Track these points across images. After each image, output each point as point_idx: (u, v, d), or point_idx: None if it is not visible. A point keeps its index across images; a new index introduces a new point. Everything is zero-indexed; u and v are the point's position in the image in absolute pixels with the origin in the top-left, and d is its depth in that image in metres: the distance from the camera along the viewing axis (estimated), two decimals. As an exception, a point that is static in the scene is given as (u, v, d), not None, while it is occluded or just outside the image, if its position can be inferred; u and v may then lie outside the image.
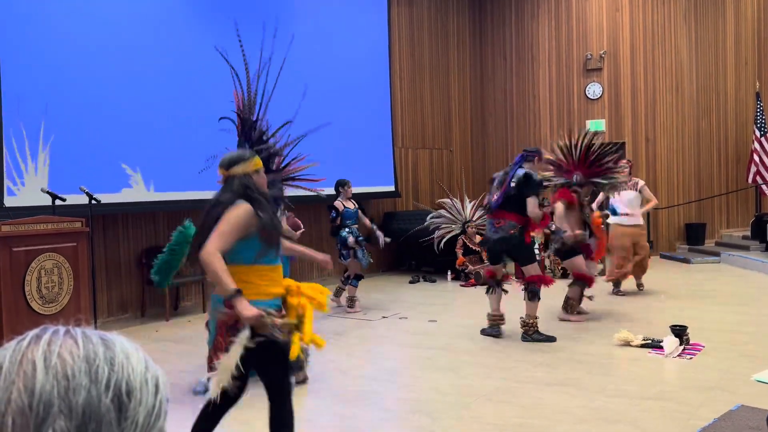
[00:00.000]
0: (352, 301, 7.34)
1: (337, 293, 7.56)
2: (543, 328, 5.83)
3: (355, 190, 9.49)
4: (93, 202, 5.23)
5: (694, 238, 11.28)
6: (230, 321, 2.79)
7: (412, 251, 10.00)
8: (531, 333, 5.71)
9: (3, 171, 5.70)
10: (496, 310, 5.91)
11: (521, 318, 5.77)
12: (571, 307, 6.54)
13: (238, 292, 2.72)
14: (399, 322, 6.71)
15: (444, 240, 8.94)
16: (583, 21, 11.53)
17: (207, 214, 2.90)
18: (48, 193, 5.05)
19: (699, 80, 11.53)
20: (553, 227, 6.49)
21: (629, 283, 7.97)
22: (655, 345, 5.29)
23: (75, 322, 0.75)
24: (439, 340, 5.87)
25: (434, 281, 9.26)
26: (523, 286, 5.79)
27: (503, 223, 5.65)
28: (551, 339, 5.68)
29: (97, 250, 6.10)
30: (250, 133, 4.56)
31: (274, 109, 8.24)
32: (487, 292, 6.01)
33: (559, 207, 6.22)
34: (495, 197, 5.73)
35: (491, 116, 12.33)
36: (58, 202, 5.06)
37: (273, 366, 2.88)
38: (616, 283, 7.88)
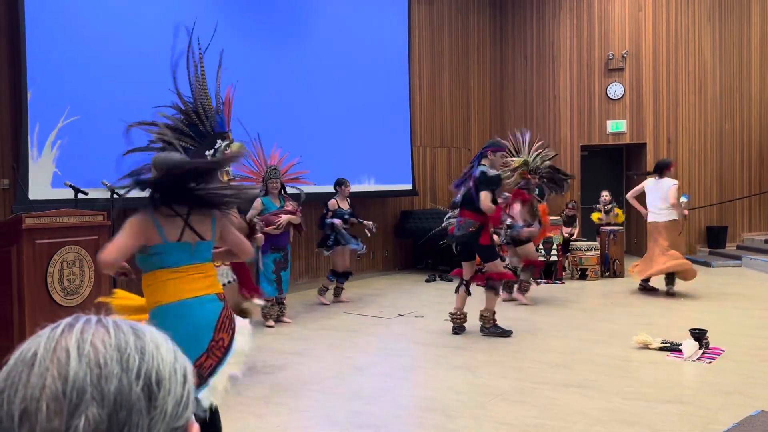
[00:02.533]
0: (323, 290, 7.51)
1: (336, 293, 7.62)
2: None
3: (373, 187, 9.54)
4: (114, 196, 5.29)
5: (715, 241, 11.14)
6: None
7: (428, 250, 9.99)
8: (488, 326, 5.87)
9: (28, 165, 5.79)
10: (459, 309, 5.98)
11: (480, 311, 5.95)
12: (525, 289, 7.33)
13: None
14: (415, 320, 6.72)
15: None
16: (605, 21, 11.43)
17: None
18: (71, 186, 5.12)
19: (723, 81, 11.37)
20: (509, 221, 7.14)
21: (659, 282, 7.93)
22: (674, 348, 5.24)
23: (105, 311, 0.77)
24: (455, 338, 5.86)
25: (451, 280, 9.24)
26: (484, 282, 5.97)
27: (463, 221, 5.82)
28: (507, 333, 5.83)
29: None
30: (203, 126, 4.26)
31: (292, 106, 8.29)
32: (456, 291, 6.08)
33: (517, 206, 7.05)
34: (457, 194, 6.01)
35: (511, 116, 12.27)
36: (80, 195, 5.12)
37: None
38: (645, 279, 7.86)
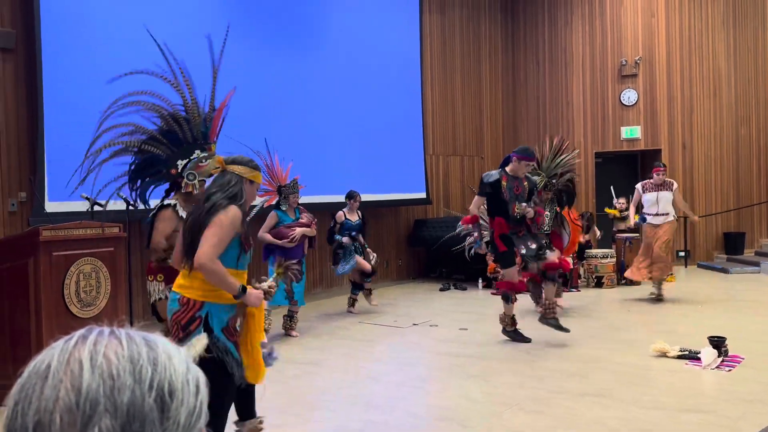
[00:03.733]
0: (369, 296, 7.54)
1: (367, 294, 7.59)
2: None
3: (386, 196, 9.55)
4: (130, 208, 5.33)
5: (733, 247, 11.01)
6: (183, 320, 2.81)
7: (442, 259, 9.97)
8: (509, 329, 5.97)
9: (45, 176, 5.86)
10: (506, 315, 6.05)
11: (499, 315, 6.07)
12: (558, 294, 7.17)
13: (243, 289, 2.82)
14: (430, 329, 6.69)
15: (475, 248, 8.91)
16: (618, 27, 11.39)
17: (199, 208, 2.88)
18: (87, 198, 5.16)
19: (738, 86, 11.28)
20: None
21: (672, 292, 7.85)
22: (693, 356, 5.17)
23: (118, 323, 0.77)
24: (470, 347, 5.83)
25: (465, 289, 9.22)
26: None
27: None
28: (525, 340, 5.89)
29: (133, 255, 6.21)
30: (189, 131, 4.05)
31: (305, 115, 8.32)
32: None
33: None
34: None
35: (523, 123, 12.24)
36: (96, 207, 5.16)
37: (212, 383, 2.86)
38: (658, 287, 7.81)
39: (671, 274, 8.16)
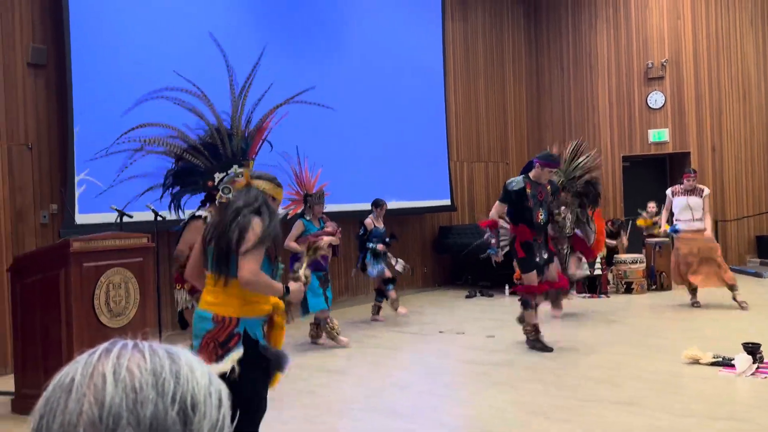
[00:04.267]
0: (395, 303, 7.52)
1: (376, 311, 7.61)
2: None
3: (411, 204, 9.54)
4: (159, 218, 5.41)
5: (767, 251, 10.76)
6: (221, 338, 2.81)
7: (468, 265, 9.91)
8: (531, 338, 5.88)
9: (75, 189, 5.97)
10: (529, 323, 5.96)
11: (518, 317, 6.01)
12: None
13: (287, 289, 2.93)
14: (456, 337, 6.65)
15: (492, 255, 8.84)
16: (643, 29, 11.26)
17: (223, 222, 2.87)
18: (116, 210, 5.25)
19: (768, 87, 11.05)
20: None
21: (709, 296, 7.69)
22: (727, 363, 5.05)
23: (142, 335, 0.77)
24: (497, 355, 5.78)
25: (491, 296, 9.15)
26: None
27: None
28: (547, 349, 5.77)
29: (162, 265, 6.29)
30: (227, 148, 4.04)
31: (328, 123, 8.36)
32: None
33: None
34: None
35: (548, 128, 12.14)
36: (125, 218, 5.25)
37: (257, 385, 2.88)
38: (694, 293, 7.65)
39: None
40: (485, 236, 6.09)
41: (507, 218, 6.02)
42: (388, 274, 7.41)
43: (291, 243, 6.27)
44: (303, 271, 3.14)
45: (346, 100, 8.77)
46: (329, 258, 6.42)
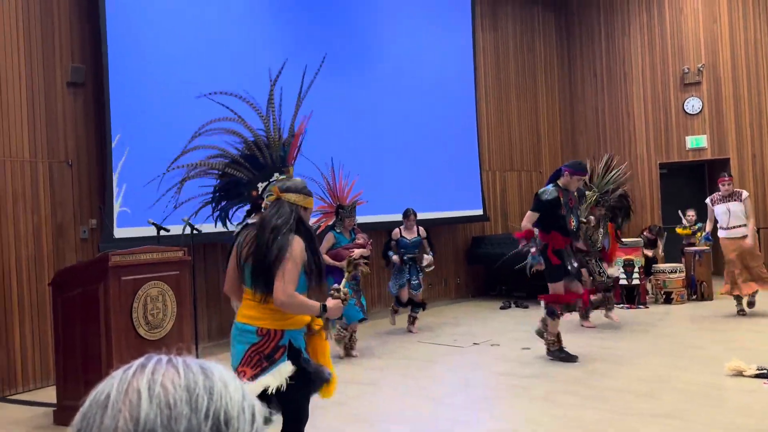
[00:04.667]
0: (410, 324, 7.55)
1: (410, 321, 7.57)
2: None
3: (442, 214, 9.50)
4: (194, 232, 5.49)
5: (812, 259, 10.40)
6: (266, 350, 2.87)
7: (502, 276, 9.80)
8: (553, 349, 5.80)
9: (113, 204, 6.10)
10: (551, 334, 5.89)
11: (538, 326, 5.95)
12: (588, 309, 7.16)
13: (324, 307, 2.94)
14: (491, 348, 6.58)
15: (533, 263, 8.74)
16: (678, 35, 11.06)
17: (262, 239, 2.89)
18: (153, 224, 5.35)
19: (811, 89, 10.73)
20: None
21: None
22: (772, 376, 4.89)
23: (177, 350, 0.78)
24: (533, 367, 5.70)
25: (526, 307, 9.03)
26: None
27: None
28: (572, 359, 5.71)
29: (198, 278, 6.38)
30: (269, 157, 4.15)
31: (358, 134, 8.40)
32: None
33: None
34: None
35: (582, 135, 11.99)
36: (161, 232, 5.34)
37: (299, 394, 2.92)
38: (738, 301, 7.48)
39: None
40: (521, 246, 6.03)
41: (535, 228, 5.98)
42: (405, 294, 7.38)
43: (323, 256, 6.30)
44: (343, 287, 3.16)
45: (377, 110, 8.81)
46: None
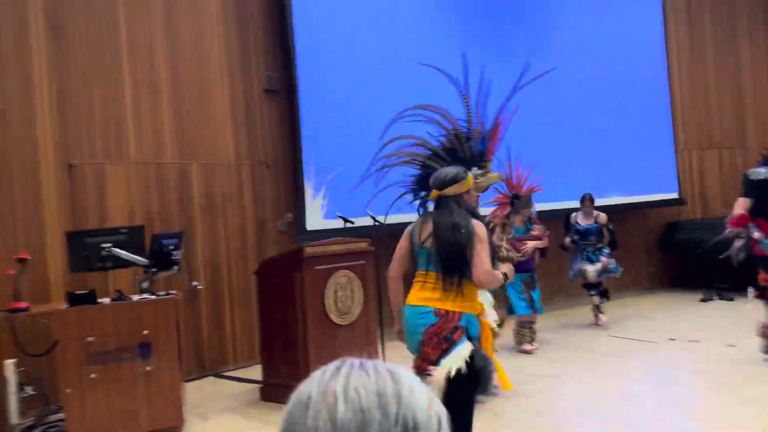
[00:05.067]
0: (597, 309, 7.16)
1: (598, 309, 7.15)
2: None
3: (633, 199, 8.90)
4: (376, 223, 5.73)
5: None
6: (445, 331, 2.92)
7: (701, 264, 8.95)
8: None
9: (304, 199, 6.58)
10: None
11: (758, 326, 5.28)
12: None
13: (505, 275, 3.15)
14: (689, 345, 6.06)
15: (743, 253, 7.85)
16: None
17: (444, 236, 3.01)
18: (341, 217, 5.68)
19: None
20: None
21: None
22: None
23: (367, 354, 0.83)
24: (741, 367, 5.15)
25: (732, 299, 8.17)
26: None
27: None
28: None
29: (380, 267, 6.66)
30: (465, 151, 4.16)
31: (538, 119, 8.13)
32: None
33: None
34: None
35: (798, 106, 10.51)
36: (347, 224, 5.65)
37: (466, 386, 2.91)
38: None
39: None
40: (728, 233, 5.41)
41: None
42: (590, 278, 7.01)
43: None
44: (504, 245, 3.48)
45: (559, 87, 8.39)
46: (536, 260, 6.23)
